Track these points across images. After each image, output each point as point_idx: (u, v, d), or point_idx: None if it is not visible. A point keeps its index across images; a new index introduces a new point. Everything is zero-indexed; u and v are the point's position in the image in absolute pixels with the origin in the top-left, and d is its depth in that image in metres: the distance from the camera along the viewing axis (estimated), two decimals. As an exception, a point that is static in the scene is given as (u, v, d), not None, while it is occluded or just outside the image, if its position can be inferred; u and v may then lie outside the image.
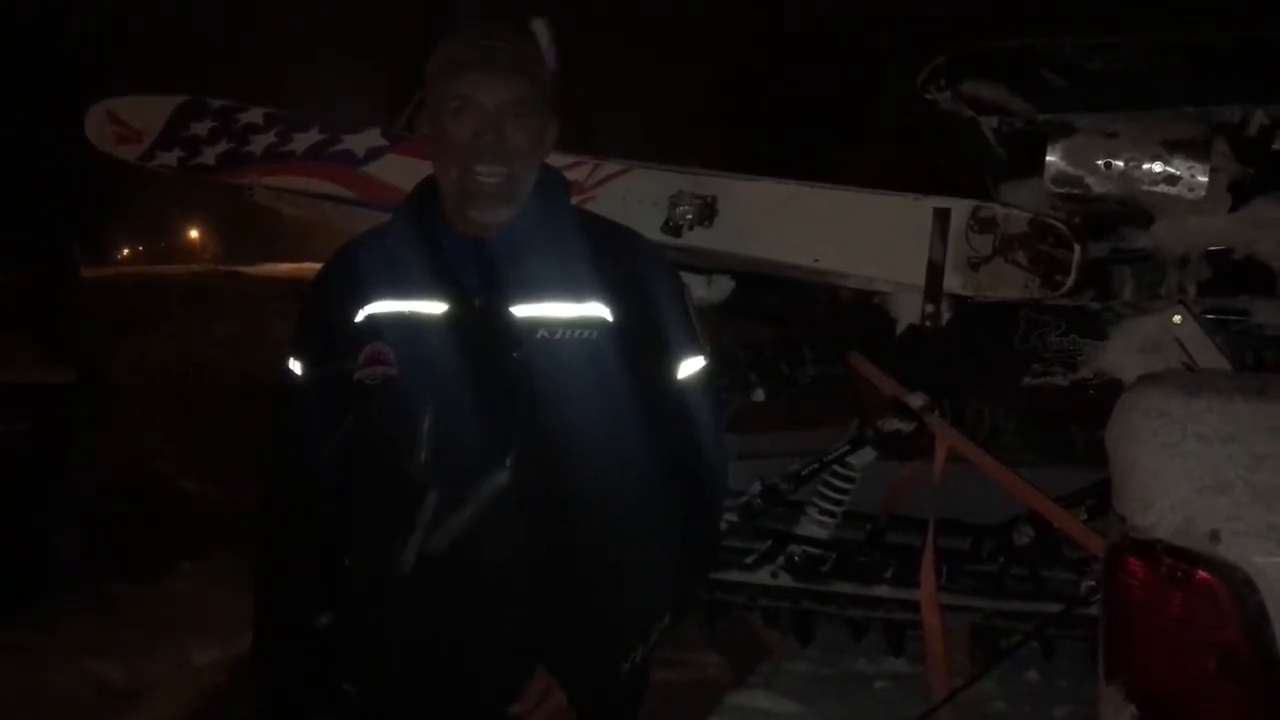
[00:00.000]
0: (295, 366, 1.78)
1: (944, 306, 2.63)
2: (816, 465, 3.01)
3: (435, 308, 1.70)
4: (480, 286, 1.70)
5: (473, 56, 1.68)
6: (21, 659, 4.01)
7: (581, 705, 1.66)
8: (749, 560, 3.02)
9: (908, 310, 2.70)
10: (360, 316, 1.72)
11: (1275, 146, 2.62)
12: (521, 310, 1.68)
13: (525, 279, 1.69)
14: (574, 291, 1.68)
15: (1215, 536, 1.24)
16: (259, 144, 3.16)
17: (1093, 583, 2.66)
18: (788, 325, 3.28)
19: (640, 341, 1.70)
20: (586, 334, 1.67)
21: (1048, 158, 2.61)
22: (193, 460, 6.65)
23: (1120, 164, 2.56)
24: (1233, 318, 2.68)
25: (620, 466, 1.69)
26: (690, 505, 1.74)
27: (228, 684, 3.77)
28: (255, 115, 3.21)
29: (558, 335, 1.67)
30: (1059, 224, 2.54)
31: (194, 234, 40.51)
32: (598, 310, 1.68)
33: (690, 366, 1.74)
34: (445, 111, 1.68)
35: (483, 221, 1.70)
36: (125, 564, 4.79)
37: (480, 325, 1.68)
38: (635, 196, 2.79)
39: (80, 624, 4.30)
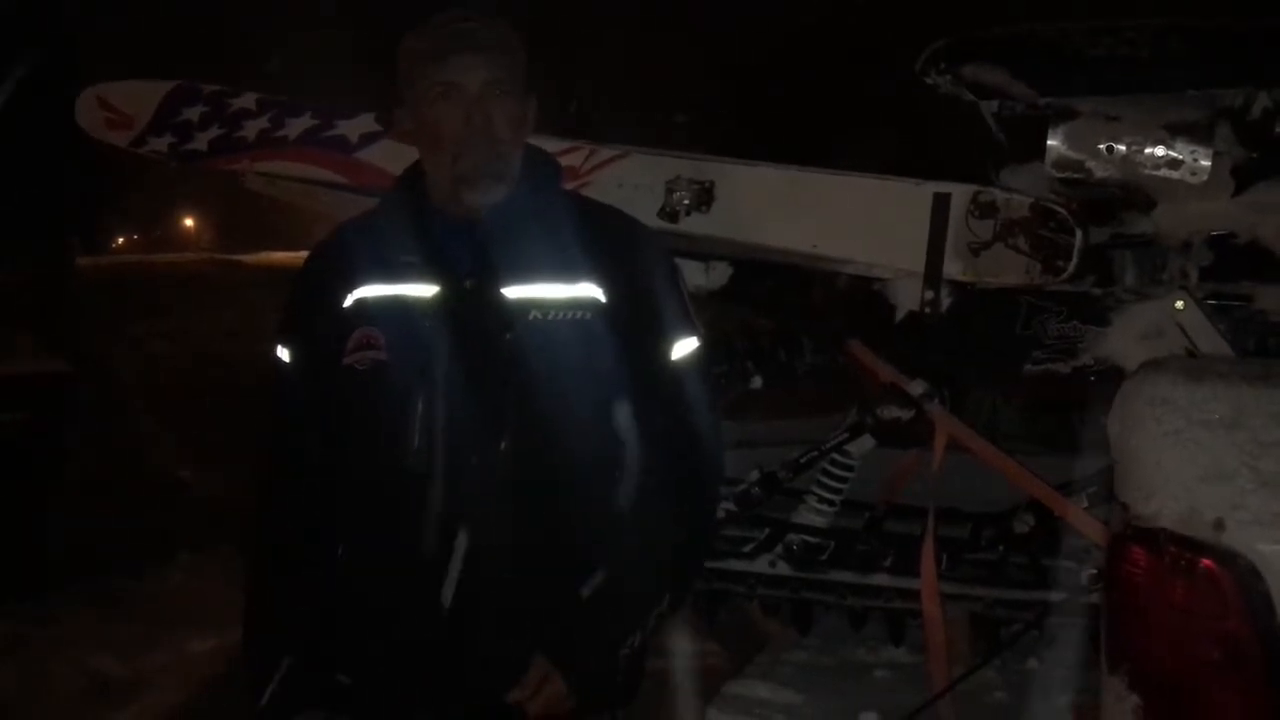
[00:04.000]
0: (283, 354, 1.77)
1: (944, 293, 2.62)
2: (815, 453, 2.99)
3: (425, 290, 1.69)
4: (471, 268, 1.69)
5: (449, 42, 1.67)
6: (20, 652, 4.00)
7: (580, 691, 1.65)
8: (747, 549, 3.00)
9: (907, 297, 2.68)
10: (349, 301, 1.71)
11: (1278, 130, 2.60)
12: (513, 291, 1.67)
13: (517, 260, 1.68)
14: (566, 272, 1.68)
15: (1219, 525, 1.23)
16: (251, 129, 3.14)
17: (1094, 571, 2.65)
18: (786, 312, 3.26)
19: (633, 322, 1.69)
20: (579, 315, 1.66)
21: (1049, 142, 2.59)
22: (190, 451, 6.64)
23: (1122, 148, 2.54)
24: (1235, 303, 2.66)
25: (615, 448, 1.68)
26: (685, 487, 1.73)
27: (226, 675, 3.76)
28: (248, 100, 3.18)
29: (550, 316, 1.66)
30: (1060, 209, 2.52)
31: (189, 222, 40.45)
32: (590, 291, 1.67)
33: (684, 347, 1.73)
34: (429, 100, 1.67)
35: (479, 204, 1.69)
36: (123, 556, 4.78)
37: (472, 307, 1.67)
38: (631, 182, 2.77)
39: (78, 616, 4.30)
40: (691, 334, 1.75)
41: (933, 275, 2.61)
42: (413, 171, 1.78)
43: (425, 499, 1.66)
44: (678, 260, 1.97)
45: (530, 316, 1.66)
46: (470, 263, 1.69)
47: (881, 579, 2.92)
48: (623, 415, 1.67)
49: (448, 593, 1.67)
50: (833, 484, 3.01)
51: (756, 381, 3.12)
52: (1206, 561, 1.23)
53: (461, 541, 1.66)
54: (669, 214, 2.74)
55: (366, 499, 1.72)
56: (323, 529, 1.75)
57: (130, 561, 4.76)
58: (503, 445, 1.64)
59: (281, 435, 1.82)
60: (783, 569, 2.97)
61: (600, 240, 1.71)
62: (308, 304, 1.78)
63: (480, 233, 1.70)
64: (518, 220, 1.70)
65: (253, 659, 1.81)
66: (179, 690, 3.84)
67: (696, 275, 2.89)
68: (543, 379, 1.65)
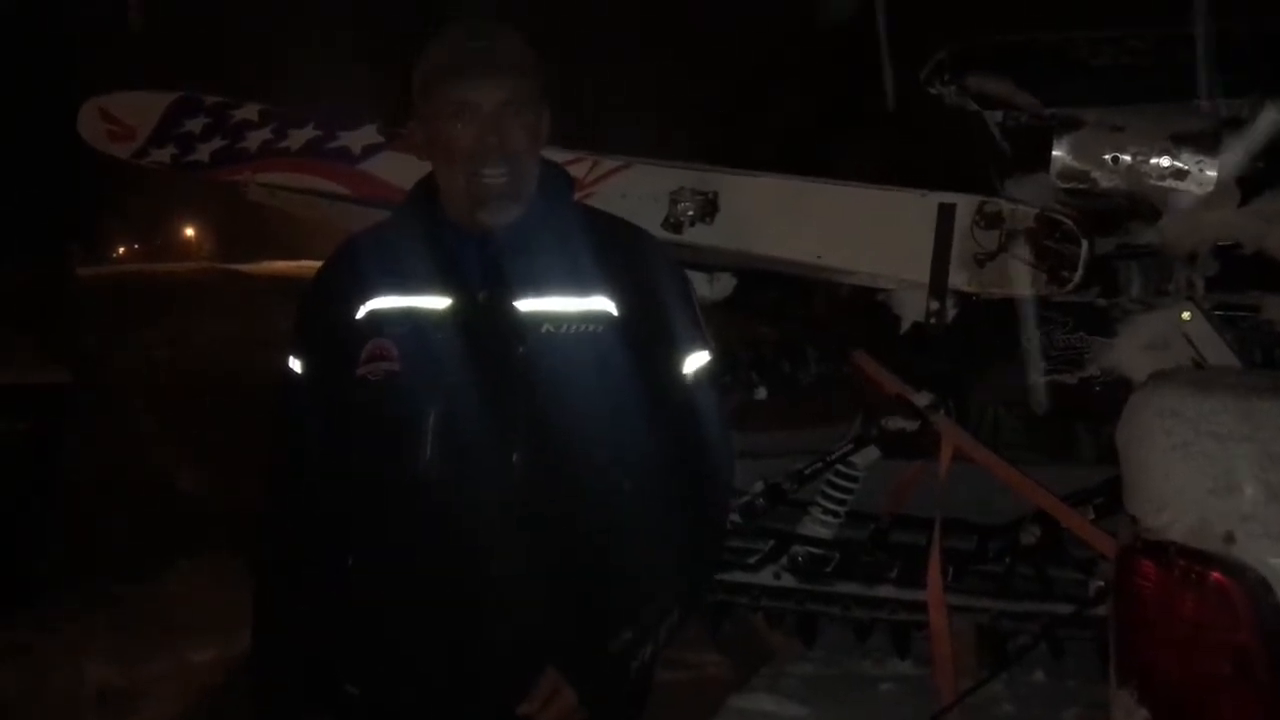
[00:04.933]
0: (295, 364, 1.77)
1: (949, 304, 2.61)
2: (820, 464, 2.98)
3: (439, 303, 1.68)
4: (484, 281, 1.69)
5: (465, 60, 1.66)
6: (19, 660, 3.98)
7: (590, 703, 1.64)
8: (752, 560, 3.00)
9: (912, 308, 2.67)
10: (362, 313, 1.70)
11: (1284, 140, 2.59)
12: (526, 305, 1.66)
13: (529, 273, 1.67)
14: (579, 286, 1.67)
15: (1230, 538, 1.21)
16: (253, 141, 3.14)
17: (1101, 583, 2.64)
18: (790, 323, 3.25)
19: (646, 336, 1.68)
20: (592, 328, 1.66)
21: (1054, 152, 2.58)
22: (190, 459, 6.63)
23: (1127, 158, 2.54)
24: (1242, 314, 2.65)
25: (626, 461, 1.67)
26: (696, 500, 1.72)
27: (226, 684, 3.75)
28: (250, 111, 3.18)
29: (563, 329, 1.66)
30: (1066, 219, 2.51)
31: (190, 232, 40.53)
32: (603, 304, 1.67)
33: (695, 361, 1.73)
34: (443, 117, 1.66)
35: (492, 223, 1.68)
36: (123, 564, 4.77)
37: (484, 320, 1.67)
38: (636, 193, 2.76)
39: (78, 624, 4.27)
40: (703, 348, 1.75)
41: (938, 286, 2.60)
42: (425, 184, 1.78)
43: (436, 510, 1.65)
44: (682, 270, 1.96)
45: (543, 330, 1.65)
46: (483, 275, 1.69)
47: (887, 591, 2.91)
48: (634, 428, 1.67)
49: (457, 604, 1.66)
50: (838, 495, 3.00)
51: (761, 392, 3.11)
52: (1216, 574, 1.22)
53: (472, 553, 1.65)
54: (673, 225, 2.73)
55: (377, 509, 1.71)
56: (331, 538, 1.74)
57: (130, 569, 4.74)
58: (515, 457, 1.64)
59: (290, 444, 1.81)
60: (787, 580, 2.96)
61: (612, 254, 1.71)
62: (320, 315, 1.77)
63: (493, 246, 1.70)
64: (530, 233, 1.70)
65: (259, 668, 1.80)
66: (178, 699, 3.82)
67: (701, 286, 2.88)
68: (554, 391, 1.64)
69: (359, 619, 1.73)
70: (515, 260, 1.68)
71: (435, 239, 1.71)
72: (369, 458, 1.70)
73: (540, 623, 1.66)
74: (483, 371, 1.65)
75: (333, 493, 1.73)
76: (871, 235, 2.67)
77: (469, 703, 1.69)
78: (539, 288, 1.67)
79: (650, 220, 2.65)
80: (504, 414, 1.64)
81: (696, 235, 2.74)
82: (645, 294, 1.70)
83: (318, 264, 1.87)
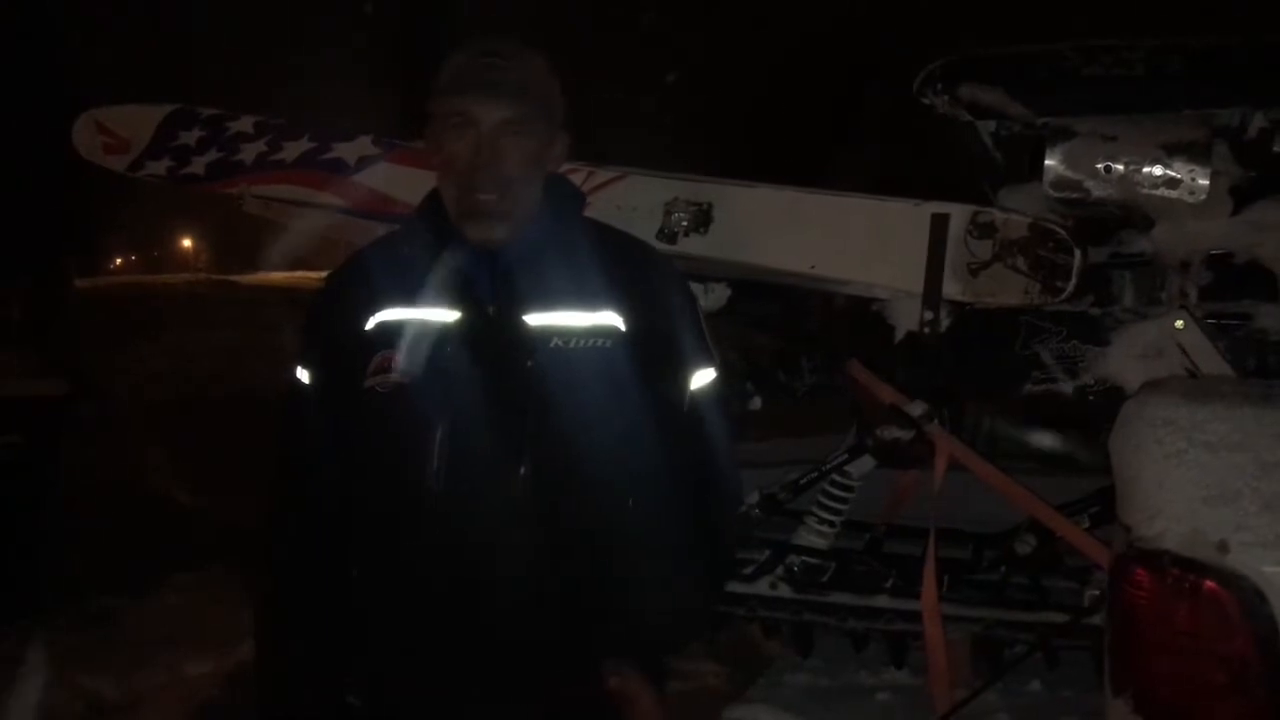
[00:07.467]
0: (303, 375, 1.76)
1: (943, 313, 2.61)
2: (815, 474, 2.98)
3: (448, 316, 1.68)
4: (493, 295, 1.69)
5: (474, 75, 1.67)
6: (14, 673, 3.97)
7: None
8: (748, 571, 2.99)
9: (906, 317, 2.68)
10: (371, 324, 1.70)
11: (1276, 149, 2.61)
12: (535, 319, 1.67)
13: (538, 288, 1.68)
14: (587, 301, 1.68)
15: (1223, 546, 1.22)
16: (249, 152, 3.14)
17: (1096, 592, 2.64)
18: (785, 333, 3.26)
19: (654, 351, 1.69)
20: (600, 343, 1.66)
21: (1047, 162, 2.59)
22: (186, 472, 6.62)
23: (1120, 168, 2.54)
24: (1235, 322, 2.66)
25: (633, 477, 1.68)
26: (703, 516, 1.73)
27: (221, 697, 3.74)
28: (245, 123, 3.19)
29: (571, 344, 1.66)
30: (1059, 229, 2.52)
31: (186, 243, 40.52)
32: (611, 320, 1.68)
33: (703, 377, 1.74)
34: (446, 128, 1.68)
35: (480, 239, 1.69)
36: (119, 577, 4.76)
37: (493, 333, 1.67)
38: (630, 203, 2.77)
39: (73, 638, 4.26)
40: (710, 364, 1.75)
41: (931, 295, 2.60)
42: (435, 195, 1.78)
43: (442, 522, 1.65)
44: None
45: (551, 344, 1.66)
46: (493, 288, 1.69)
47: (882, 601, 2.90)
48: (641, 443, 1.67)
49: (461, 615, 1.66)
50: (833, 505, 3.00)
51: (756, 402, 3.12)
52: (1210, 583, 1.23)
53: (477, 565, 1.65)
54: (667, 235, 2.74)
55: (382, 520, 1.71)
56: (335, 549, 1.74)
57: (127, 582, 4.73)
58: (522, 470, 1.63)
59: (295, 454, 1.80)
60: (783, 591, 2.96)
61: (621, 269, 1.72)
62: (328, 325, 1.77)
63: (503, 259, 1.70)
64: (540, 248, 1.71)
65: (263, 679, 1.79)
66: (175, 712, 3.81)
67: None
68: (562, 406, 1.64)
69: (363, 630, 1.73)
70: (525, 274, 1.68)
71: (445, 251, 1.72)
72: (375, 469, 1.70)
73: (545, 636, 1.66)
74: (491, 384, 1.65)
75: (338, 503, 1.73)
76: (865, 245, 2.67)
77: (473, 715, 1.69)
78: (548, 302, 1.67)
79: (645, 231, 2.66)
80: (512, 427, 1.64)
81: (691, 246, 2.75)
82: (653, 309, 1.71)
83: (315, 275, 1.87)
